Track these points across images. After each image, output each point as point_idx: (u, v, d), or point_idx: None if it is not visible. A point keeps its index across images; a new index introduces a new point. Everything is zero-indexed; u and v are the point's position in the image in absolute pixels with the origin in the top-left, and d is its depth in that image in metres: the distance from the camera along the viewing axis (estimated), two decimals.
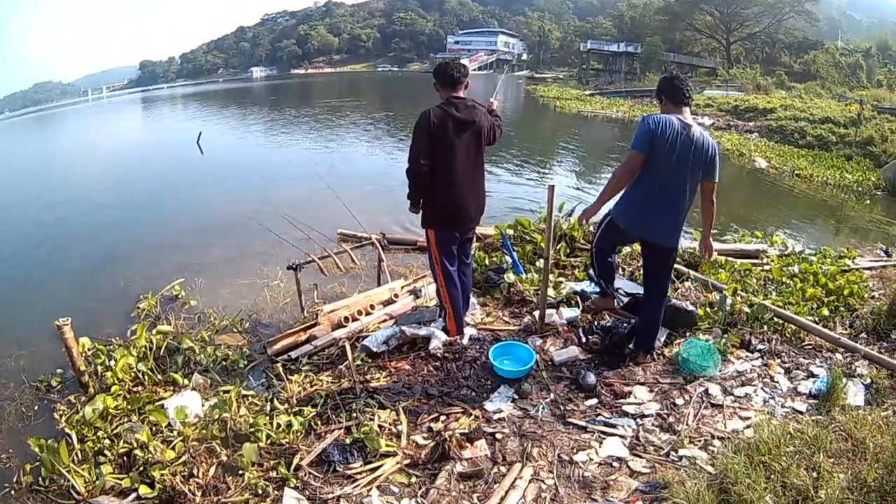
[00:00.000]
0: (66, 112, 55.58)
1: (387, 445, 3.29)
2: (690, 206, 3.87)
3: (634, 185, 3.80)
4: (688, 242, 6.71)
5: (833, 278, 5.71)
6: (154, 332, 4.76)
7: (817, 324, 4.71)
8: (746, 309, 4.78)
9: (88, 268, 7.75)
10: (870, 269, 6.57)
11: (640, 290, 4.73)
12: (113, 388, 4.12)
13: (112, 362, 4.36)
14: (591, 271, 4.92)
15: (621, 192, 3.89)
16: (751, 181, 15.30)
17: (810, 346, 4.50)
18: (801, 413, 3.55)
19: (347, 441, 3.34)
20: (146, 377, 4.35)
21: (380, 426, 3.47)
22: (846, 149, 18.15)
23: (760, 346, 4.41)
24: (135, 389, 4.23)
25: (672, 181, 3.70)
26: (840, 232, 10.58)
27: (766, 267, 6.20)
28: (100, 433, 3.60)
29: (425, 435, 3.44)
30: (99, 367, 4.40)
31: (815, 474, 2.75)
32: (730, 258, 6.36)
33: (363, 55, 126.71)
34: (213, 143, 19.68)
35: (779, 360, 4.25)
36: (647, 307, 4.19)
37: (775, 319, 4.70)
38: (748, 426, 3.43)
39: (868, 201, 13.10)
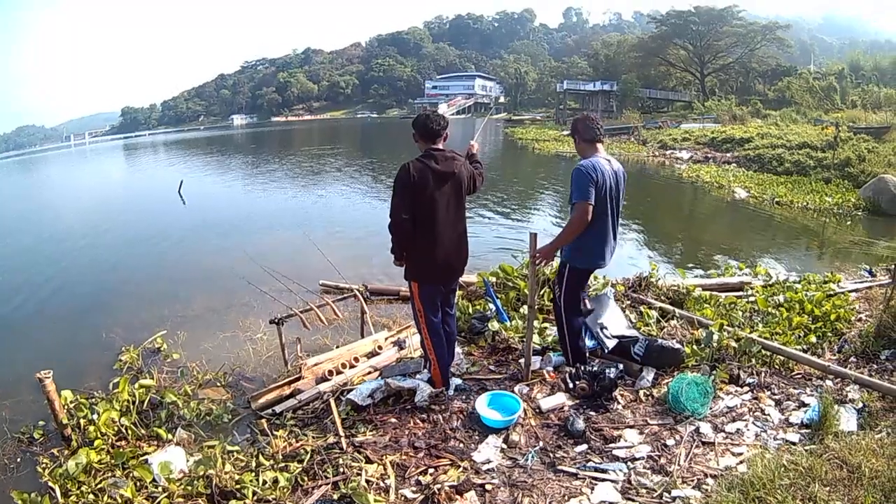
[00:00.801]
0: (49, 157, 55.95)
1: (375, 500, 3.20)
2: None
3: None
4: (671, 280, 6.71)
5: (819, 304, 5.74)
6: (136, 385, 4.67)
7: (806, 352, 4.71)
8: (734, 344, 4.75)
9: (70, 318, 7.67)
10: (855, 291, 6.61)
11: (628, 333, 4.79)
12: (96, 443, 4.03)
13: (95, 416, 4.29)
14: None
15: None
16: (732, 212, 15.52)
17: (800, 376, 4.49)
18: (794, 444, 3.51)
19: (335, 497, 3.26)
20: (129, 431, 4.25)
21: (367, 481, 3.38)
22: (824, 172, 18.53)
23: (749, 380, 4.37)
24: (118, 444, 4.14)
25: (611, 213, 4.21)
26: (824, 255, 10.75)
27: (752, 298, 6.22)
28: (83, 488, 3.52)
29: (414, 489, 3.35)
30: (82, 421, 4.31)
31: None
32: (714, 293, 6.36)
33: (342, 102, 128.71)
34: (194, 192, 19.66)
35: (769, 393, 4.22)
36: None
37: (763, 352, 4.67)
38: (741, 462, 3.38)
39: (849, 222, 13.31)
